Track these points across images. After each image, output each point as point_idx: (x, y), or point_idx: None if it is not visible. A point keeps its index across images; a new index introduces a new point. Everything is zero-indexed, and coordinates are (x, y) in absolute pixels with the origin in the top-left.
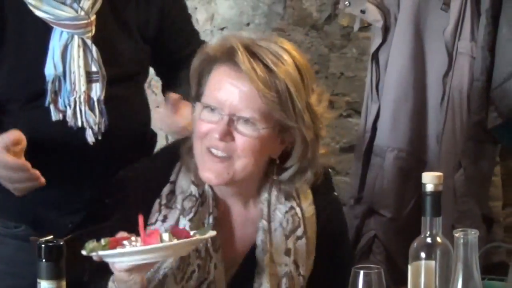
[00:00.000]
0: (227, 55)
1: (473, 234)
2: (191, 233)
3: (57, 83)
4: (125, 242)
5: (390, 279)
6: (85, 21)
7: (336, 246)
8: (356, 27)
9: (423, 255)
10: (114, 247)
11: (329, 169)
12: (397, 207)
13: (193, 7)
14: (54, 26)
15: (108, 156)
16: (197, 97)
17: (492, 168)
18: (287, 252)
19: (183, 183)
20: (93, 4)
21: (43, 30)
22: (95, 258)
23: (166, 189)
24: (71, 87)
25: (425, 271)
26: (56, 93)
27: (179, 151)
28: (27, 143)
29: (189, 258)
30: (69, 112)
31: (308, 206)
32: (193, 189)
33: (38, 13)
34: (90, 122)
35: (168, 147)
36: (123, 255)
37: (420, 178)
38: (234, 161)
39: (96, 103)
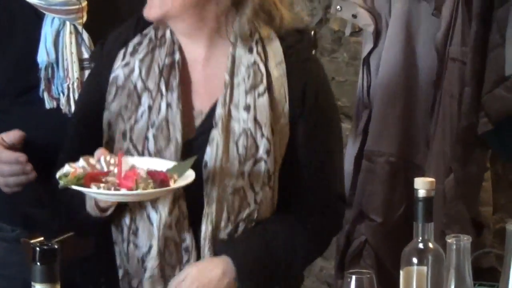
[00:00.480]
0: None
1: (466, 240)
2: (168, 173)
3: (50, 70)
4: (105, 177)
5: (379, 284)
6: (77, 7)
7: (315, 118)
8: (348, 31)
9: (415, 260)
10: (88, 183)
11: (314, 31)
12: (387, 212)
13: None
14: (45, 13)
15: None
16: None
17: (482, 173)
18: (246, 108)
19: (148, 33)
20: None
21: (34, 17)
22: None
23: (134, 40)
24: (64, 74)
25: (417, 277)
26: (49, 81)
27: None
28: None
29: (139, 98)
30: (63, 99)
31: (276, 65)
32: (152, 33)
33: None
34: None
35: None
36: (97, 194)
37: (410, 182)
38: None
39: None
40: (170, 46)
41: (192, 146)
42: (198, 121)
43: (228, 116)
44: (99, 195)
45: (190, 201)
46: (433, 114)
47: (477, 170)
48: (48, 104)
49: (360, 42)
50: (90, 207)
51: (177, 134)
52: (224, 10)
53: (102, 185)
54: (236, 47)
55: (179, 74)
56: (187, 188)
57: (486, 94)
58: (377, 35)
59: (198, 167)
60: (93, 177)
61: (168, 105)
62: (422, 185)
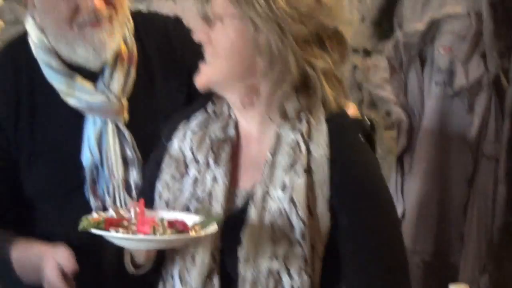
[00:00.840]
0: None
1: None
2: (191, 223)
3: (94, 171)
4: (125, 223)
5: None
6: (117, 107)
7: (359, 203)
8: (380, 124)
9: None
10: (108, 228)
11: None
12: None
13: None
14: (87, 113)
15: None
16: None
17: None
18: (283, 187)
19: (211, 108)
20: (123, 89)
21: (76, 118)
22: None
23: (197, 113)
24: (109, 174)
25: None
26: (94, 181)
27: None
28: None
29: (186, 168)
30: (109, 199)
31: (319, 146)
32: (210, 107)
33: (70, 101)
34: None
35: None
36: (114, 239)
37: (446, 279)
38: (213, 64)
39: (134, 188)
40: (226, 120)
41: (229, 223)
42: (239, 198)
43: (266, 195)
44: (114, 238)
45: (224, 280)
46: (467, 212)
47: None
48: (94, 205)
49: (394, 137)
50: (126, 264)
51: (218, 210)
52: (278, 89)
53: (120, 229)
54: (283, 126)
55: (230, 150)
56: (222, 266)
57: None
58: (411, 131)
59: (233, 245)
60: (113, 223)
61: (214, 180)
62: None
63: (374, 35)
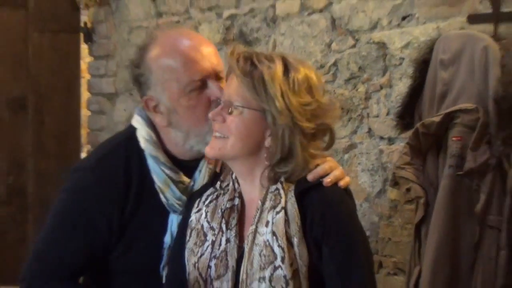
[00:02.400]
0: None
1: None
2: None
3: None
4: None
5: None
6: None
7: (334, 241)
8: (403, 200)
9: None
10: None
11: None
12: None
13: None
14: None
15: None
16: None
17: None
18: (267, 224)
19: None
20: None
21: (164, 210)
22: None
23: (209, 191)
24: None
25: None
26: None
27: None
28: None
29: (205, 235)
30: None
31: (289, 188)
32: (218, 184)
33: (161, 197)
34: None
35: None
36: None
37: None
38: (225, 140)
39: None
40: (232, 193)
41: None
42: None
43: (256, 232)
44: None
45: None
46: (474, 273)
47: None
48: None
49: (413, 209)
50: None
51: (233, 263)
52: (273, 160)
53: None
54: (270, 184)
55: (237, 215)
56: None
57: None
58: (427, 205)
59: (237, 275)
60: None
61: (227, 240)
62: None
63: (397, 126)
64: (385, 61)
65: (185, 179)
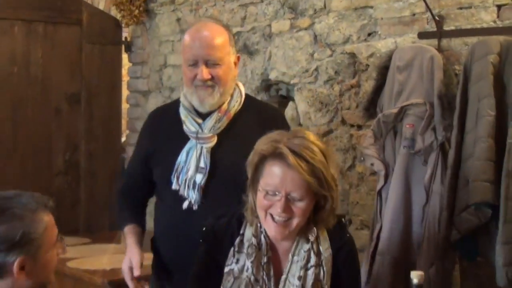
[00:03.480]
0: (277, 155)
1: None
2: None
3: (179, 168)
4: None
5: None
6: (205, 136)
7: (348, 275)
8: (368, 172)
9: None
10: None
11: (342, 218)
12: None
13: None
14: (190, 137)
15: (199, 222)
16: (254, 179)
17: (453, 266)
18: (299, 278)
19: (248, 234)
20: (214, 127)
21: (185, 139)
22: None
23: (237, 240)
24: (186, 172)
25: None
26: (178, 175)
27: (243, 214)
28: (161, 209)
29: (253, 286)
30: (182, 187)
31: (326, 249)
32: (253, 240)
33: (184, 127)
34: (190, 196)
35: (235, 212)
36: None
37: (408, 271)
38: (291, 222)
39: (197, 186)
40: (266, 248)
41: None
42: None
43: (287, 281)
44: None
45: None
46: (423, 227)
47: (450, 265)
48: (175, 186)
49: (376, 180)
50: None
51: None
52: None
53: None
54: (301, 238)
55: (273, 267)
56: None
57: (456, 216)
58: (386, 176)
59: None
60: None
61: None
62: (416, 277)
63: (364, 116)
64: (355, 67)
65: (199, 120)
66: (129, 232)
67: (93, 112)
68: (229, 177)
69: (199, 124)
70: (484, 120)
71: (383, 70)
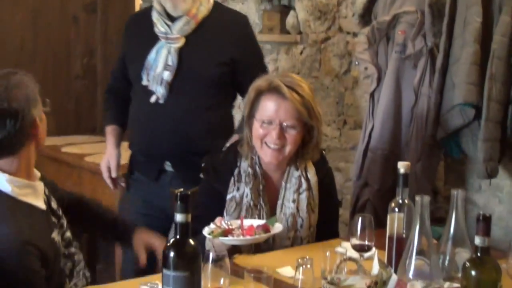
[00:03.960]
0: (272, 88)
1: (426, 199)
2: (265, 222)
3: (149, 66)
4: (233, 231)
5: (375, 225)
6: (173, 37)
7: (330, 199)
8: (362, 76)
9: (396, 210)
10: (226, 235)
11: (323, 150)
12: (381, 182)
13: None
14: (160, 37)
15: (170, 115)
16: (250, 115)
17: (438, 161)
18: (293, 201)
19: (244, 166)
20: (180, 29)
21: (156, 40)
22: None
23: (236, 171)
24: (154, 69)
25: (397, 220)
26: (148, 71)
27: (237, 148)
28: (134, 105)
29: (252, 210)
30: (151, 82)
31: (313, 176)
32: (250, 170)
33: (155, 28)
34: (157, 91)
35: (230, 147)
36: (231, 241)
37: (396, 165)
38: (284, 149)
39: (164, 82)
40: (261, 177)
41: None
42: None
43: (283, 205)
44: (232, 241)
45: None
46: (412, 126)
47: (435, 160)
48: (145, 81)
49: (369, 83)
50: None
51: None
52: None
53: (235, 235)
54: (291, 168)
55: (268, 195)
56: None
57: (442, 116)
58: (379, 79)
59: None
60: (228, 232)
61: (265, 212)
62: (402, 166)
63: (360, 23)
64: None
65: (169, 22)
66: (109, 133)
67: (108, 19)
68: (195, 74)
69: (168, 26)
70: (471, 26)
71: None
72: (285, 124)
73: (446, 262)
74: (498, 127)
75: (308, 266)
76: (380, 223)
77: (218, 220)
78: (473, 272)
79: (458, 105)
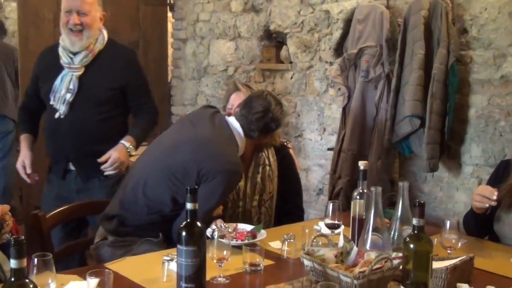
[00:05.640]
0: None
1: (379, 189)
2: (253, 229)
3: (55, 89)
4: (229, 234)
5: (346, 207)
6: (74, 67)
7: (289, 171)
8: (337, 95)
9: (358, 197)
10: (223, 238)
11: (285, 143)
12: (351, 175)
13: None
14: (65, 68)
15: (70, 128)
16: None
17: (394, 159)
18: (257, 173)
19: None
20: (82, 61)
21: (61, 69)
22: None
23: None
24: (59, 91)
25: (358, 205)
26: (54, 94)
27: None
28: (47, 121)
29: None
30: (56, 101)
31: (271, 156)
32: None
33: (60, 60)
34: (60, 109)
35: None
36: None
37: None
38: None
39: (66, 102)
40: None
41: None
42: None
43: (252, 177)
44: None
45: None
46: (373, 132)
47: (391, 158)
48: (52, 101)
49: (341, 100)
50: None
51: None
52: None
53: (232, 240)
54: (258, 152)
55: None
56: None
57: (397, 124)
58: (349, 97)
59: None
60: (223, 236)
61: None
62: (362, 164)
63: (334, 55)
64: (329, 20)
65: (71, 55)
66: (23, 140)
67: (148, 54)
68: (91, 96)
69: (71, 58)
70: (416, 57)
71: (348, 22)
72: None
73: (396, 237)
74: (438, 133)
75: (292, 240)
76: (350, 206)
77: (218, 221)
78: (411, 245)
79: (407, 116)
